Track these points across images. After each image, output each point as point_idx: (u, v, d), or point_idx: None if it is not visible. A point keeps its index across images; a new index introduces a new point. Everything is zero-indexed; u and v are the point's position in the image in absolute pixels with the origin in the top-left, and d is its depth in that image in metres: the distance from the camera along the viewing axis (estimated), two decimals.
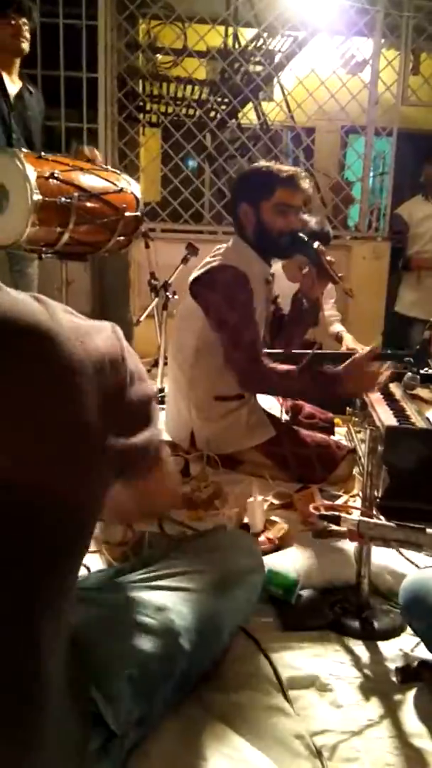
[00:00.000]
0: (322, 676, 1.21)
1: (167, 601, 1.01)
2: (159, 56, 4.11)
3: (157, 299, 3.01)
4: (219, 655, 1.15)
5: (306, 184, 2.04)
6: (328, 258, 2.06)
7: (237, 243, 2.10)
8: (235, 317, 1.96)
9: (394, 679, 1.21)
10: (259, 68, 4.27)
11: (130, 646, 0.92)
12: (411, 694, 1.18)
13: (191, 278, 2.09)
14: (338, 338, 3.31)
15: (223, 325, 1.99)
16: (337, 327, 3.36)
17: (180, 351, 2.14)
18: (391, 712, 1.14)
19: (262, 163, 2.14)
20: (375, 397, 1.63)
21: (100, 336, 0.76)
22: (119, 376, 0.77)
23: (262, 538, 1.62)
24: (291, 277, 2.93)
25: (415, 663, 1.21)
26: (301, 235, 2.04)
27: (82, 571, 1.33)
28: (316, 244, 2.03)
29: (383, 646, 1.32)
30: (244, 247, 2.08)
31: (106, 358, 0.75)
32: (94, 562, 1.59)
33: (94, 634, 0.91)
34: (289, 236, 2.02)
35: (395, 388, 1.73)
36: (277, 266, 2.95)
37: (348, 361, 1.91)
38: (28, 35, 2.66)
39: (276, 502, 1.87)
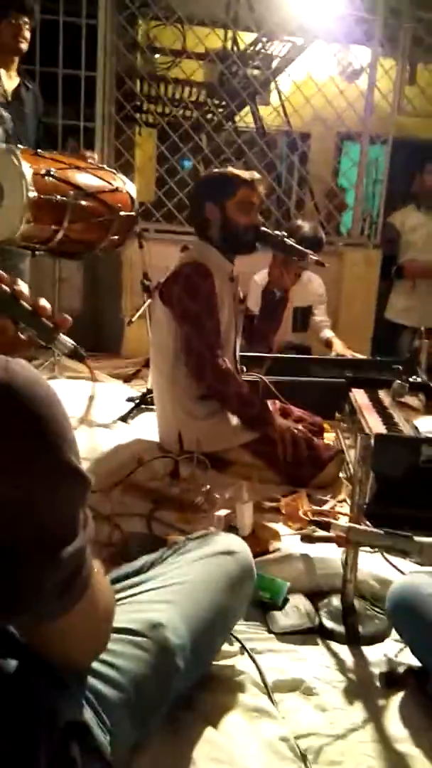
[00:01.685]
0: (308, 679, 1.22)
1: (162, 618, 0.97)
2: (158, 57, 4.12)
3: (149, 299, 3.01)
4: (210, 665, 1.16)
5: (261, 186, 2.18)
6: (291, 241, 2.18)
7: (198, 244, 2.20)
8: (197, 307, 2.04)
9: (378, 683, 1.23)
10: (257, 72, 4.29)
11: (125, 668, 0.89)
12: (395, 699, 1.19)
13: (160, 284, 2.15)
14: (328, 344, 3.33)
15: (185, 314, 2.06)
16: (327, 333, 3.39)
17: (159, 352, 2.19)
18: (375, 716, 1.15)
19: (218, 169, 2.34)
20: (364, 404, 1.65)
21: None
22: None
23: (250, 542, 1.63)
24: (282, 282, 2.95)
25: (400, 669, 1.23)
26: (263, 228, 2.17)
27: None
28: (277, 233, 2.18)
29: (368, 650, 1.34)
30: (206, 247, 2.17)
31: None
32: None
33: None
34: (252, 230, 2.14)
35: (384, 396, 1.75)
36: (260, 276, 2.99)
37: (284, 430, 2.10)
38: (27, 35, 2.66)
39: (265, 504, 1.88)
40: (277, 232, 2.19)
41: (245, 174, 2.16)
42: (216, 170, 2.32)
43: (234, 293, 2.23)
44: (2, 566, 0.60)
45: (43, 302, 0.90)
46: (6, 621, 0.68)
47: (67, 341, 0.94)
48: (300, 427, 2.24)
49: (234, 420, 2.15)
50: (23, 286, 0.90)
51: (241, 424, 2.14)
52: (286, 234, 2.20)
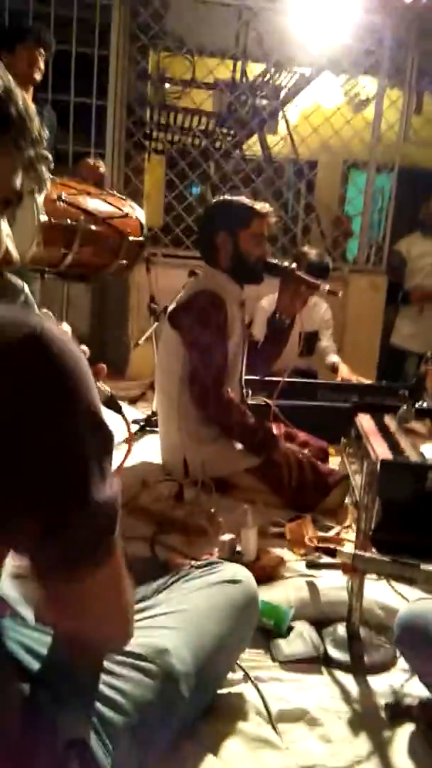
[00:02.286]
0: (312, 709, 1.20)
1: (168, 644, 0.97)
2: (168, 86, 4.20)
3: (156, 323, 3.03)
4: (215, 695, 1.14)
5: (271, 215, 2.19)
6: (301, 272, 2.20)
7: (209, 271, 2.20)
8: (207, 338, 2.04)
9: (383, 715, 1.20)
10: (265, 102, 4.36)
11: (130, 693, 0.89)
12: (401, 732, 1.17)
13: (170, 309, 2.16)
14: (334, 369, 3.33)
15: (195, 344, 2.07)
16: (333, 358, 3.39)
17: (167, 378, 2.19)
18: (380, 748, 1.13)
19: (231, 196, 2.28)
20: (370, 430, 1.64)
21: None
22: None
23: (254, 567, 1.61)
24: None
25: (407, 700, 1.20)
26: (271, 260, 2.19)
27: None
28: (285, 263, 2.19)
29: (373, 680, 1.31)
30: (218, 274, 2.17)
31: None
32: None
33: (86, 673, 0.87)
34: (262, 262, 2.16)
35: (390, 421, 1.74)
36: (268, 301, 3.01)
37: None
38: (42, 66, 2.72)
39: (270, 530, 1.87)
40: (286, 264, 2.20)
41: (257, 205, 2.17)
42: (230, 198, 2.27)
43: (242, 318, 2.24)
44: (34, 505, 0.61)
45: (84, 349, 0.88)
46: (42, 572, 0.67)
47: (105, 389, 0.92)
48: (305, 451, 2.23)
49: (239, 444, 2.14)
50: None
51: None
52: (295, 265, 2.21)
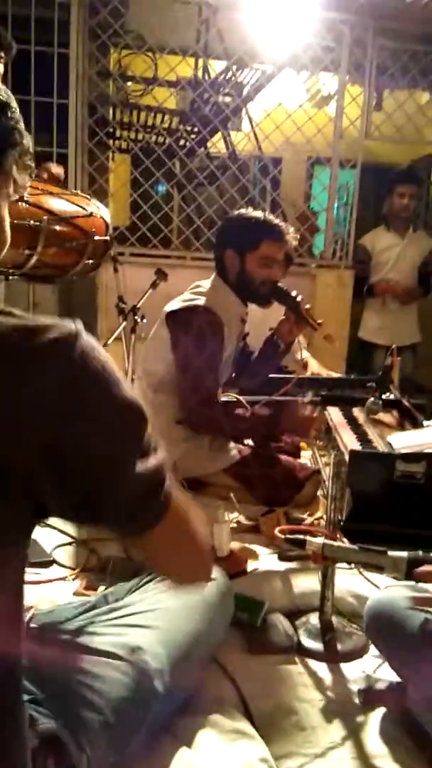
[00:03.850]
0: (287, 699, 1.22)
1: (142, 642, 0.99)
2: (130, 85, 4.18)
3: (125, 323, 3.02)
4: (191, 690, 1.15)
5: (291, 239, 2.12)
6: (307, 306, 2.16)
7: (217, 283, 2.17)
8: (200, 362, 2.01)
9: (357, 700, 1.23)
10: (228, 99, 4.37)
11: (105, 692, 0.90)
12: (373, 716, 1.19)
13: (168, 309, 2.13)
14: (304, 365, 3.36)
15: (187, 366, 2.03)
16: (303, 354, 3.42)
17: (147, 375, 2.17)
18: (354, 734, 1.15)
19: (251, 212, 2.17)
20: (339, 422, 1.67)
21: None
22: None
23: (227, 562, 1.62)
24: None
25: (378, 685, 1.23)
26: (280, 285, 2.14)
27: (47, 605, 1.32)
28: (294, 293, 2.14)
29: (346, 668, 1.34)
30: (224, 288, 2.15)
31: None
32: (59, 590, 1.57)
33: (63, 675, 0.89)
34: (269, 286, 2.11)
35: (358, 413, 1.77)
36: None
37: (286, 410, 2.03)
38: (1, 69, 2.68)
39: (244, 523, 1.88)
40: (294, 293, 2.15)
41: (275, 225, 2.07)
42: (246, 215, 2.14)
43: (240, 332, 2.24)
44: (82, 484, 0.68)
45: None
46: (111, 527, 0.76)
47: None
48: (280, 445, 2.24)
49: (210, 445, 2.14)
50: None
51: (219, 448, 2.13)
52: (301, 297, 2.16)
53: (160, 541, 0.77)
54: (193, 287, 2.19)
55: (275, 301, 2.17)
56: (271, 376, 2.13)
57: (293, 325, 2.21)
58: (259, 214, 2.14)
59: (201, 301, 2.08)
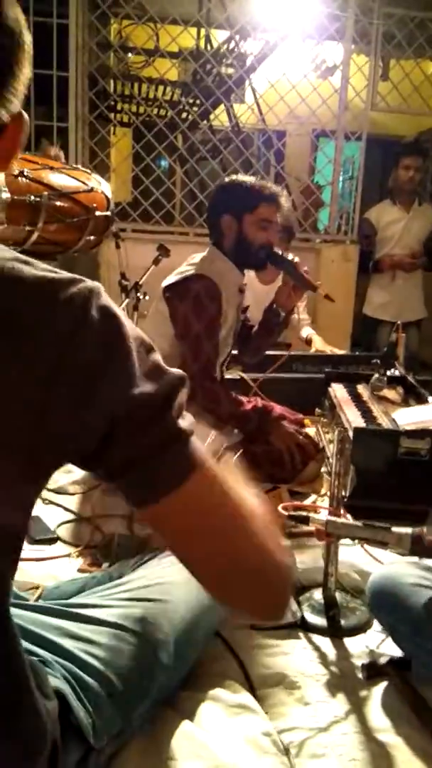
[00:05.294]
0: (290, 673, 1.22)
1: (146, 614, 1.00)
2: (131, 56, 4.10)
3: (127, 300, 3.00)
4: (195, 663, 1.16)
5: (285, 202, 2.10)
6: (305, 269, 2.13)
7: (213, 252, 2.14)
8: (199, 328, 2.00)
9: (360, 675, 1.23)
10: (231, 70, 4.28)
11: (111, 661, 0.91)
12: (377, 690, 1.20)
13: (165, 284, 2.11)
14: (308, 341, 3.34)
15: (186, 333, 2.02)
16: (307, 330, 3.40)
17: None
18: (357, 708, 1.16)
19: (244, 177, 2.17)
20: (343, 399, 1.66)
21: None
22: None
23: None
24: (264, 280, 2.95)
25: (382, 660, 1.24)
26: (277, 249, 2.11)
27: (51, 581, 1.33)
28: (290, 256, 2.11)
29: (350, 642, 1.34)
30: (220, 257, 2.12)
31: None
32: (63, 567, 1.58)
33: (69, 646, 0.89)
34: (266, 250, 2.09)
35: (363, 390, 1.76)
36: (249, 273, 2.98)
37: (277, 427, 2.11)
38: None
39: None
40: (291, 256, 2.13)
41: (270, 188, 2.08)
42: (239, 179, 2.15)
43: (239, 303, 2.21)
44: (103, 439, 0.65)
45: None
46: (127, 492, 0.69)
47: None
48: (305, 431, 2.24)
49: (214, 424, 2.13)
50: None
51: (222, 426, 2.13)
52: (298, 259, 2.15)
53: (183, 512, 0.65)
54: (189, 260, 2.17)
55: (272, 265, 2.15)
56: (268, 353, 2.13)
57: (291, 289, 2.19)
58: (251, 178, 2.15)
59: (194, 270, 2.07)
